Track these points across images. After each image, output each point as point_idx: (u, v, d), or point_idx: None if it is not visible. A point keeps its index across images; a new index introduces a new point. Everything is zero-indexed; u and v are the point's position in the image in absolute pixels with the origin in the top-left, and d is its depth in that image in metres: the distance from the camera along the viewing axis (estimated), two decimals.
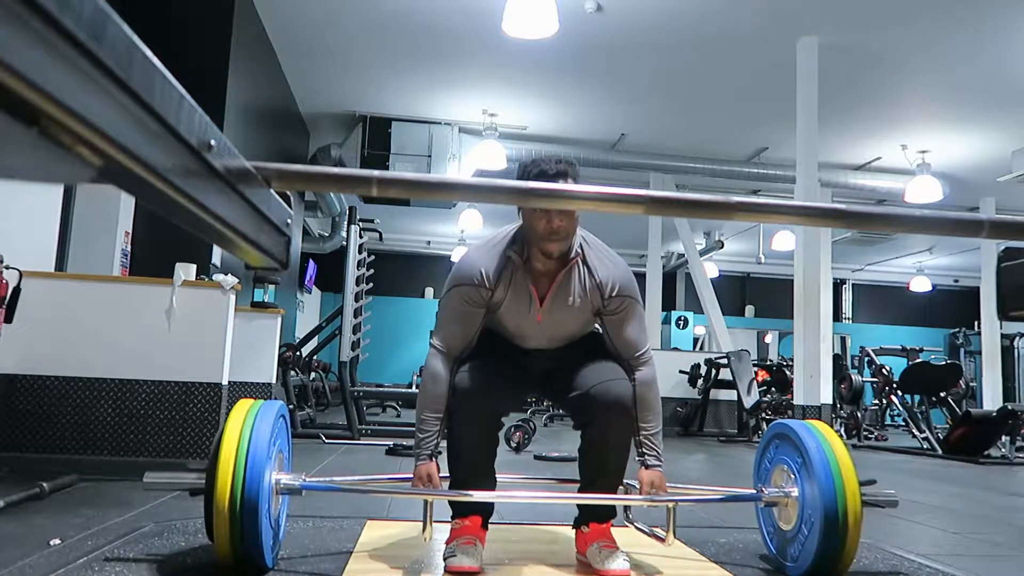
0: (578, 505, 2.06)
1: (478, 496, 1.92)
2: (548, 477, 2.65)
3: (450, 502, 2.02)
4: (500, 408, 2.01)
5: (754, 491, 2.10)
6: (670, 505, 1.88)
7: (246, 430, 1.74)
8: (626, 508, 2.13)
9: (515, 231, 2.01)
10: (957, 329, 15.08)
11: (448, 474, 2.03)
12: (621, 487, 2.06)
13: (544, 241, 1.89)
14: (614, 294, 1.98)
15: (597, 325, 2.11)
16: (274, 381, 5.08)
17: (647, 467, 1.97)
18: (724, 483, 4.53)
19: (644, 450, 1.97)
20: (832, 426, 8.77)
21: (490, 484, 2.03)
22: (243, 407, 1.83)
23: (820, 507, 1.83)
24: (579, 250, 1.98)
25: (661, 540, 1.90)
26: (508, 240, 2.00)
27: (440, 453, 1.99)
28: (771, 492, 2.03)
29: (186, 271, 3.50)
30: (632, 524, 2.13)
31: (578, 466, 2.06)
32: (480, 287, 1.95)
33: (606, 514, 2.03)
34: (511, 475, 2.42)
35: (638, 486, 1.98)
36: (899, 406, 7.92)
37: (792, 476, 1.99)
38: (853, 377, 8.51)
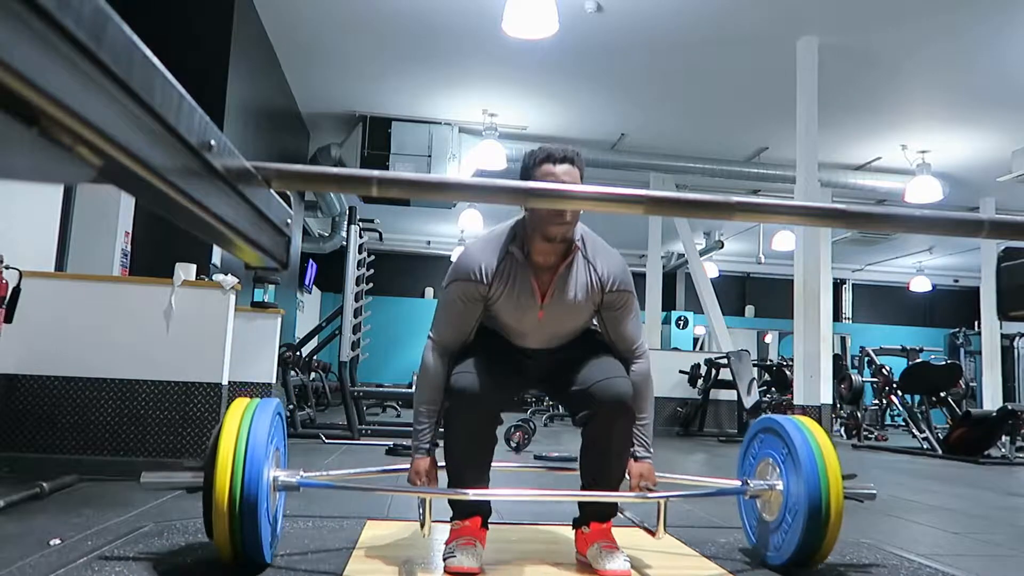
0: (579, 505, 2.07)
1: (473, 495, 1.92)
2: (544, 467, 2.68)
3: (450, 502, 2.03)
4: (497, 407, 2.01)
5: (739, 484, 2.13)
6: (661, 501, 1.90)
7: (244, 428, 1.74)
8: None
9: (515, 224, 2.00)
10: (957, 329, 15.07)
11: (445, 465, 2.03)
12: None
13: (548, 224, 1.86)
14: (614, 288, 1.98)
15: (594, 322, 2.11)
16: (274, 381, 5.08)
17: (637, 459, 1.99)
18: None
19: (635, 442, 2.00)
20: (832, 426, 8.80)
21: (484, 484, 2.03)
22: (240, 405, 1.83)
23: (805, 499, 1.87)
24: (579, 243, 1.98)
25: (652, 533, 1.93)
26: (508, 235, 1.99)
27: (437, 446, 2.00)
28: (756, 484, 2.06)
29: (186, 271, 3.50)
30: (622, 514, 2.15)
31: (579, 467, 2.06)
32: (479, 283, 1.95)
33: (607, 514, 2.03)
34: (507, 463, 2.42)
35: (628, 479, 2.00)
36: (899, 406, 7.92)
37: (777, 469, 2.02)
38: (853, 377, 8.51)
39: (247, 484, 1.66)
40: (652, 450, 2.01)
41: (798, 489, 1.90)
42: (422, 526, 1.84)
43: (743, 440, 2.26)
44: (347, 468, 4.00)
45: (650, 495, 1.93)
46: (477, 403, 1.93)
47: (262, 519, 1.70)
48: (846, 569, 2.12)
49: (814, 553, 1.93)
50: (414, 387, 2.02)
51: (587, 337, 2.12)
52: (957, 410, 7.26)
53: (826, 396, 8.35)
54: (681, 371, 8.37)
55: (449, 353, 2.01)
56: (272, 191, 0.87)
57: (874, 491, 2.10)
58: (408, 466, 2.02)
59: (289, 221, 0.94)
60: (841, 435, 8.80)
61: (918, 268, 14.95)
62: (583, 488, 2.05)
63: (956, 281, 15.66)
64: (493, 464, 2.06)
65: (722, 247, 12.45)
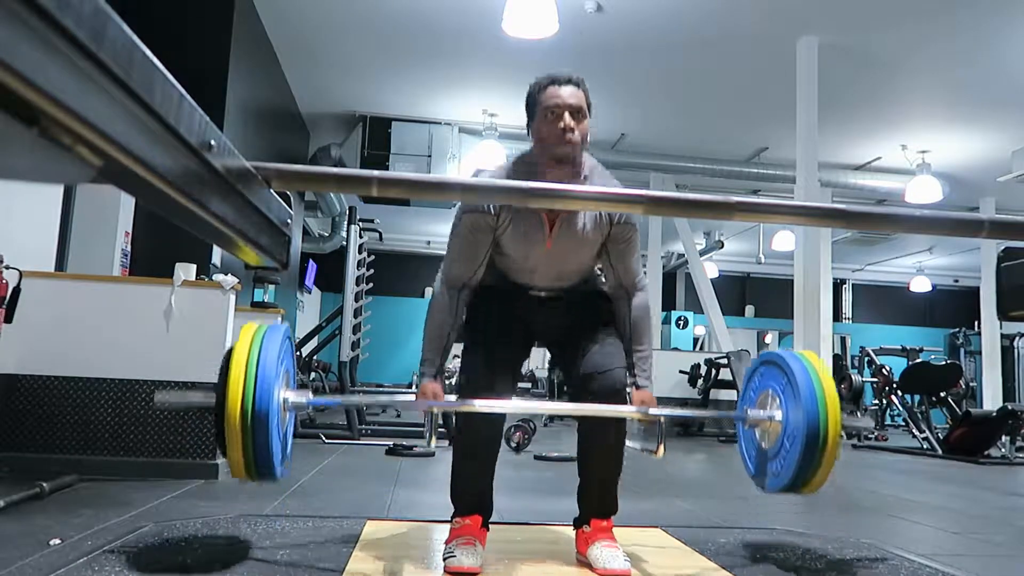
0: (579, 503, 2.08)
1: (480, 405, 1.92)
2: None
3: (452, 498, 2.04)
4: (502, 421, 2.06)
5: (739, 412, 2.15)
6: (661, 419, 1.96)
7: (255, 348, 1.75)
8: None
9: (519, 157, 2.03)
10: (957, 329, 15.07)
11: (450, 467, 2.07)
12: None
13: (555, 146, 1.89)
14: (621, 221, 2.03)
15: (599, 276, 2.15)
16: None
17: (638, 387, 2.03)
18: (724, 482, 4.53)
19: (636, 371, 2.04)
20: None
21: (489, 480, 2.06)
22: (250, 328, 1.84)
23: (803, 424, 1.88)
24: (587, 174, 1.99)
25: (652, 453, 1.99)
26: (514, 167, 2.01)
27: (444, 372, 2.05)
28: (756, 414, 2.08)
29: (186, 271, 3.50)
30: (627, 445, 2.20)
31: (577, 461, 2.09)
32: (486, 213, 1.97)
33: (607, 510, 2.05)
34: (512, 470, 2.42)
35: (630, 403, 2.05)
36: (899, 406, 7.91)
37: (777, 399, 2.03)
38: (853, 377, 8.51)
39: (259, 399, 1.68)
40: (652, 380, 2.07)
41: (797, 417, 1.91)
42: (428, 442, 1.89)
43: (745, 372, 2.26)
44: (348, 468, 4.01)
45: (651, 411, 1.98)
46: (484, 419, 1.99)
47: (273, 434, 1.72)
48: (846, 569, 2.12)
49: (810, 479, 1.93)
50: (426, 318, 2.07)
51: (592, 309, 2.11)
52: (957, 410, 7.26)
53: None
54: (681, 371, 8.37)
55: (459, 285, 2.04)
56: (272, 191, 0.88)
57: (871, 424, 2.12)
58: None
59: (289, 221, 0.94)
60: (841, 435, 8.79)
61: (918, 268, 14.95)
62: (581, 486, 2.08)
63: (956, 281, 15.67)
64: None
65: (722, 247, 12.45)
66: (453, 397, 2.04)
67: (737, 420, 2.16)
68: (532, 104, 1.96)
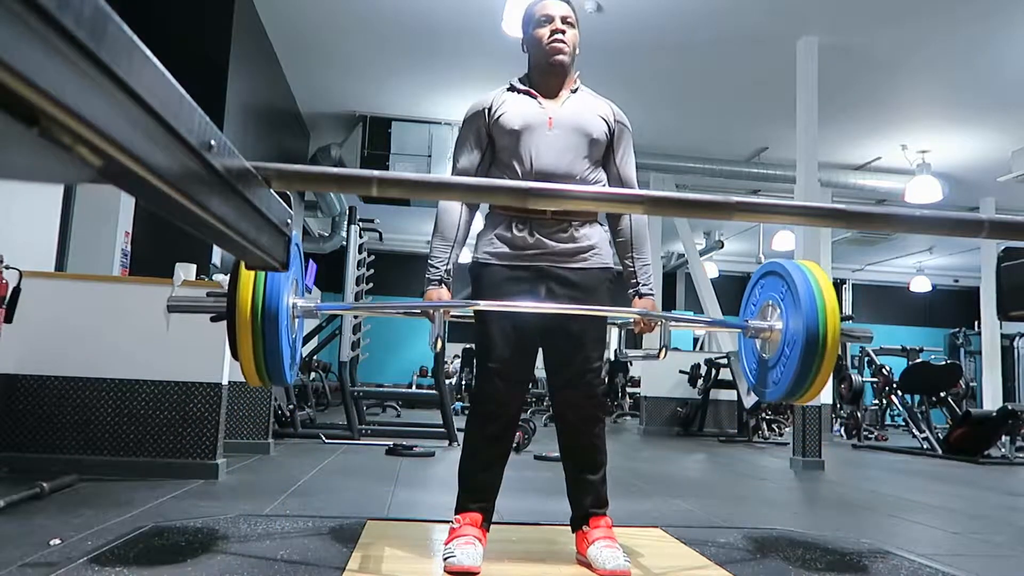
0: (571, 503, 2.10)
1: (484, 305, 1.95)
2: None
3: (459, 494, 2.05)
4: (518, 413, 2.10)
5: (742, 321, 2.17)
6: (662, 322, 2.04)
7: None
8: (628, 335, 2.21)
9: (518, 78, 2.16)
10: (957, 329, 15.06)
11: (458, 464, 2.09)
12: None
13: (548, 48, 2.04)
14: (617, 119, 2.16)
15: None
16: None
17: (640, 295, 2.11)
18: (724, 482, 4.53)
19: (637, 279, 2.12)
20: (832, 426, 8.80)
21: (497, 481, 2.08)
22: None
23: (803, 330, 1.88)
24: (577, 87, 2.15)
25: (655, 357, 2.07)
26: (514, 83, 2.15)
27: (450, 275, 2.08)
28: (757, 324, 2.09)
29: (186, 271, 3.50)
30: (630, 356, 2.22)
31: (561, 458, 2.12)
32: (485, 109, 2.08)
33: (598, 504, 2.06)
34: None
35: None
36: (899, 406, 7.91)
37: (778, 309, 2.03)
38: (853, 377, 8.50)
39: (268, 303, 1.70)
40: (653, 290, 2.15)
41: (796, 324, 1.91)
42: (436, 346, 1.92)
43: (748, 283, 2.26)
44: (348, 468, 4.01)
45: (653, 314, 2.03)
46: (500, 411, 2.03)
47: (283, 338, 1.73)
48: (846, 569, 2.12)
49: (808, 386, 1.93)
50: (434, 223, 2.11)
51: (584, 317, 2.08)
52: (957, 410, 7.26)
53: (826, 396, 8.35)
54: (681, 371, 8.37)
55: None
56: (272, 191, 0.88)
57: (871, 334, 2.13)
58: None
59: (289, 221, 0.94)
60: (841, 435, 8.79)
61: (918, 268, 14.95)
62: (568, 480, 2.10)
63: (956, 281, 15.66)
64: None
65: (722, 247, 12.45)
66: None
67: (739, 328, 2.17)
68: (527, 19, 2.10)
